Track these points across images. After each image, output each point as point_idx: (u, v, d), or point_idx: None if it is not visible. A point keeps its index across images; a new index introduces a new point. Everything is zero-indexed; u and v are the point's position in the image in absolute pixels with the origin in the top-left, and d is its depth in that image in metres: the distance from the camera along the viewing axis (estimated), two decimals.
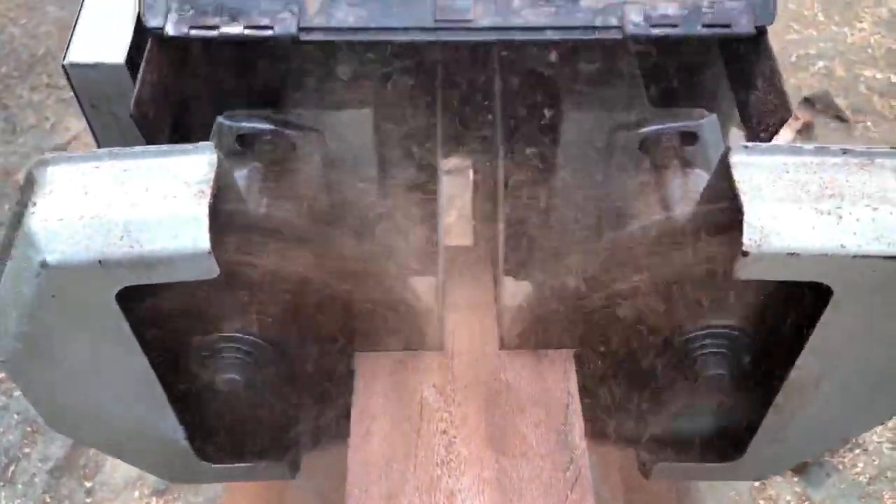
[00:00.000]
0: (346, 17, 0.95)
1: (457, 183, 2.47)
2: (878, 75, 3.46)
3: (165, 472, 1.17)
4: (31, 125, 2.72)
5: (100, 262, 0.83)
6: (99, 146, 1.30)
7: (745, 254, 0.83)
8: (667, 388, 1.11)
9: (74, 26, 1.24)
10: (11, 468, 1.92)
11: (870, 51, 3.44)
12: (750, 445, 1.11)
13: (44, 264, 0.83)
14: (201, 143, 0.87)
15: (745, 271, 0.85)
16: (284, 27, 0.94)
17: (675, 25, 0.95)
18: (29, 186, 0.87)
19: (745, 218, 0.82)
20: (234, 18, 0.94)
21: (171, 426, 1.07)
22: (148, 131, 0.98)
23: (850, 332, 0.93)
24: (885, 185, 0.86)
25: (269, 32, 0.94)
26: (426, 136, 1.21)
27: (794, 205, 0.84)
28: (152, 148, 0.88)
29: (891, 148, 0.89)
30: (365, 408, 1.06)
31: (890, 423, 2.11)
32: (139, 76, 0.97)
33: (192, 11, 0.95)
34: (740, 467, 1.15)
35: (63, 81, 2.89)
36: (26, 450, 1.94)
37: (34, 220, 0.84)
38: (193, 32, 0.94)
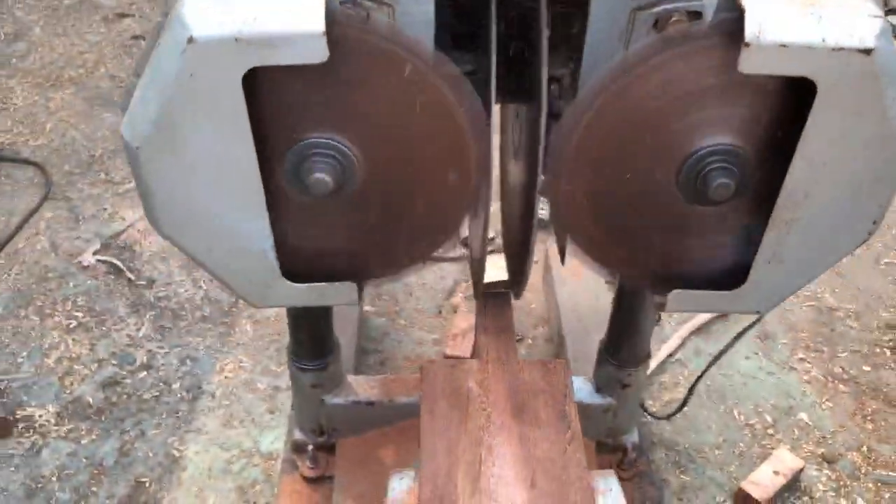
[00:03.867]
0: None
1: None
2: None
3: (246, 288, 1.34)
4: (91, 215, 3.10)
5: (235, 39, 1.05)
6: None
7: (747, 45, 1.06)
8: (679, 212, 1.29)
9: None
10: None
11: None
12: (751, 270, 1.30)
13: (190, 39, 1.05)
14: None
15: (746, 64, 1.07)
16: None
17: None
18: None
19: (747, 15, 1.05)
20: None
21: (262, 233, 1.26)
22: None
23: (832, 135, 1.14)
24: None
25: None
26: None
27: (786, 7, 1.06)
28: None
29: None
30: (430, 395, 1.59)
31: (832, 475, 2.23)
32: None
33: None
34: (744, 296, 1.33)
35: (118, 177, 3.31)
36: (94, 488, 2.18)
37: (185, 4, 1.05)
38: None
